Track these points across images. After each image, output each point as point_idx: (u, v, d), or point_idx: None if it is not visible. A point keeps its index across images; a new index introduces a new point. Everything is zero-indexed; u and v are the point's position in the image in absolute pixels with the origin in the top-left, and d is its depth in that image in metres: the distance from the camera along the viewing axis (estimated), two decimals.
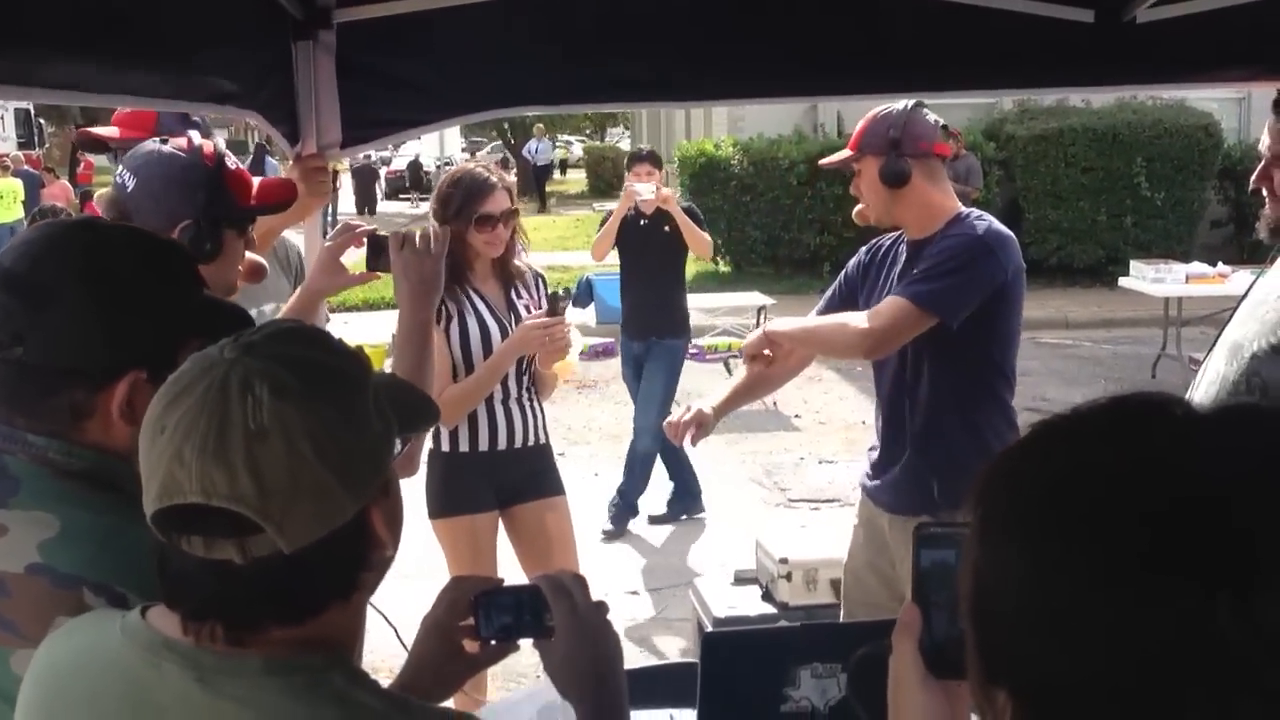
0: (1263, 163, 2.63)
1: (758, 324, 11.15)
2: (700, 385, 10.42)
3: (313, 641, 1.20)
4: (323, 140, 2.82)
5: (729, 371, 10.16)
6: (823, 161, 3.50)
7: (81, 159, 24.78)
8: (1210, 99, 15.78)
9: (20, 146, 23.73)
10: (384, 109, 2.94)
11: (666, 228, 6.85)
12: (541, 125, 28.27)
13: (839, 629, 2.95)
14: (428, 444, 3.97)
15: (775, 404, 10.13)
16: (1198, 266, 11.03)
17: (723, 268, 16.95)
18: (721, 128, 17.73)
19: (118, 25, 2.10)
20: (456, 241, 3.70)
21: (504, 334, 3.85)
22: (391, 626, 1.69)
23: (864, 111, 3.36)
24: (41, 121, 26.35)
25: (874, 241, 3.51)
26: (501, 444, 3.94)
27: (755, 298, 11.53)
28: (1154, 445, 0.81)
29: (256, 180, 2.42)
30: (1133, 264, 11.54)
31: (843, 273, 3.56)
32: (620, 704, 1.47)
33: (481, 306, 3.88)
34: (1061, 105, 16.02)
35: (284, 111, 2.76)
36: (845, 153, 3.35)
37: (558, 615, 1.48)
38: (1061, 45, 2.94)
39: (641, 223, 6.92)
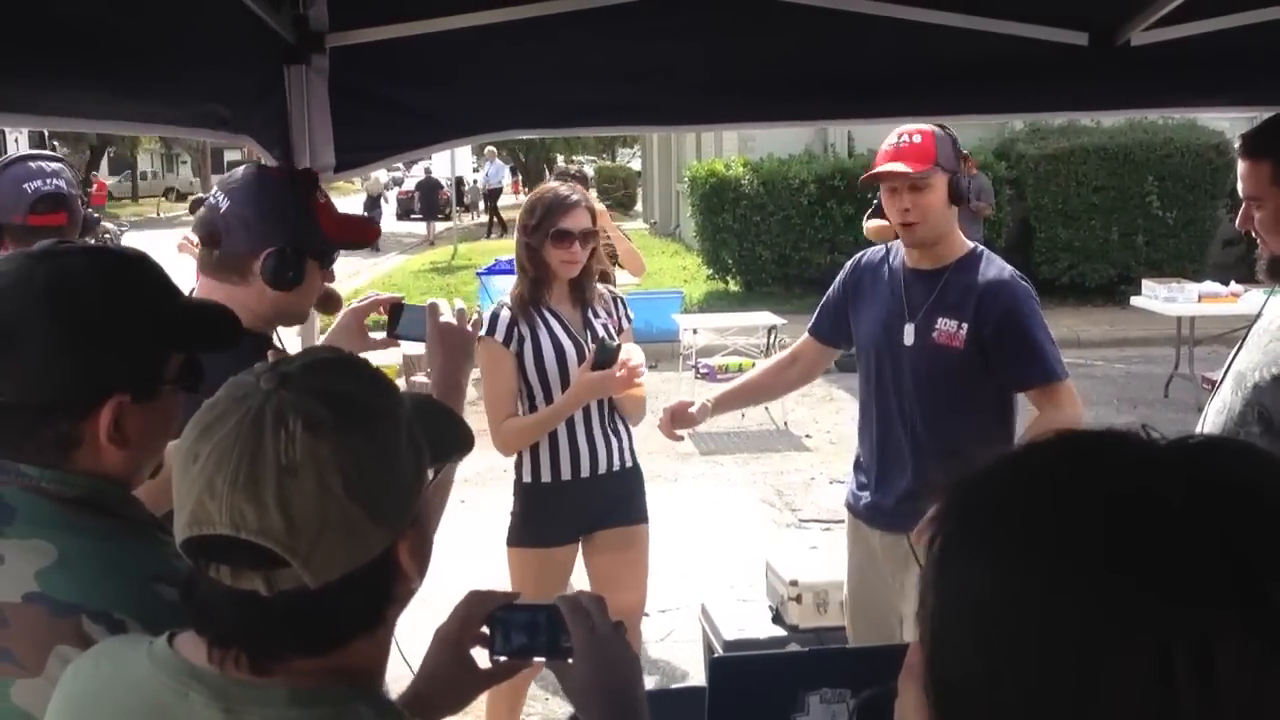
0: (1244, 205, 2.64)
1: (768, 343, 11.14)
2: None
3: (339, 671, 1.20)
4: (316, 164, 2.82)
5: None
6: (886, 169, 3.24)
7: (94, 180, 24.91)
8: (1221, 118, 15.73)
9: None
10: (378, 132, 2.93)
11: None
12: (493, 149, 27.39)
13: (849, 654, 2.93)
14: (511, 473, 3.98)
15: (786, 424, 10.10)
16: (1210, 285, 10.99)
17: (733, 287, 16.94)
18: (732, 148, 17.74)
19: (113, 52, 2.09)
20: (536, 259, 3.76)
21: (580, 355, 3.83)
22: (401, 656, 1.67)
23: (873, 132, 3.35)
24: (55, 143, 26.50)
25: (857, 257, 3.51)
26: (584, 471, 3.89)
27: (766, 317, 11.51)
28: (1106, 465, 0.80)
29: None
30: (1145, 283, 11.50)
31: (830, 291, 3.57)
32: None
33: (557, 326, 3.85)
34: (1072, 125, 15.99)
35: (277, 135, 2.76)
36: (904, 166, 3.22)
37: (576, 637, 1.47)
38: (1057, 69, 2.94)
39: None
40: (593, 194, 6.69)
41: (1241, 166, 2.61)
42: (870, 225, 3.48)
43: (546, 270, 3.79)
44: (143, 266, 1.63)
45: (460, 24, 2.82)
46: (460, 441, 1.44)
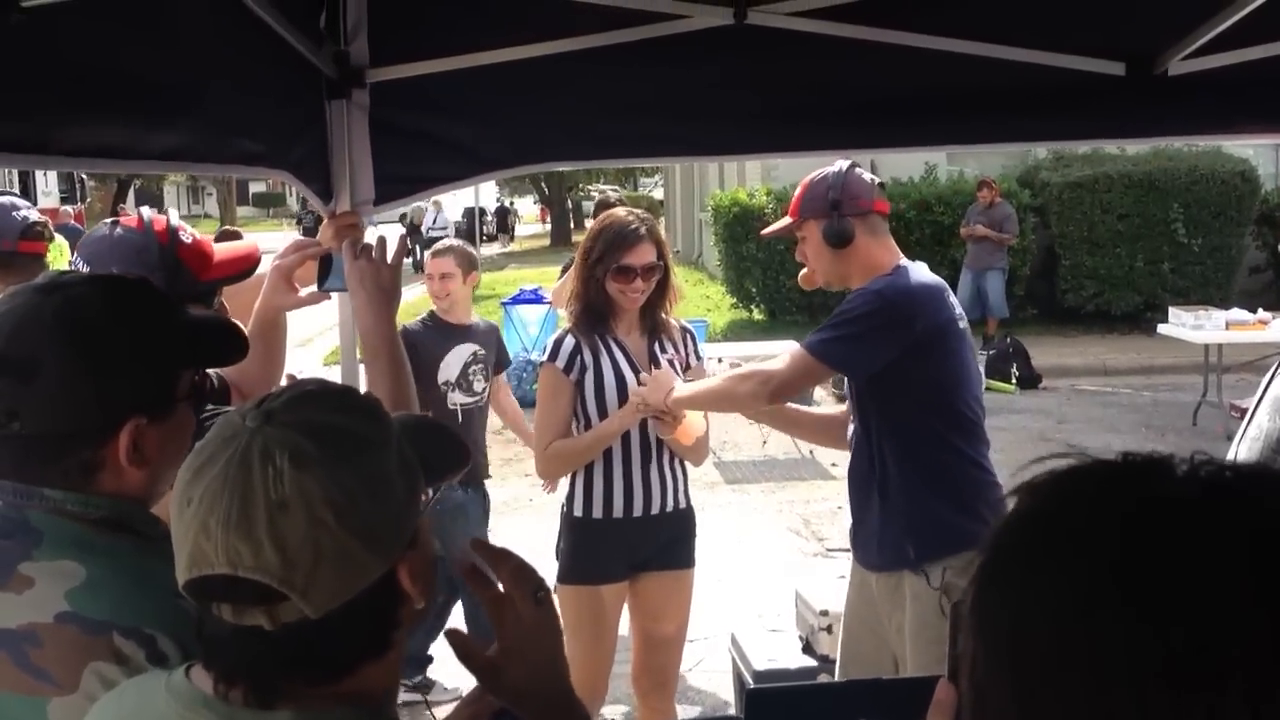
0: None
1: None
2: (734, 434, 10.46)
3: (348, 696, 1.21)
4: (356, 198, 2.84)
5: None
6: (765, 231, 3.59)
7: (123, 213, 25.06)
8: (1246, 144, 15.71)
9: (62, 201, 24.05)
10: (417, 166, 2.96)
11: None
12: (440, 200, 26.12)
13: (885, 685, 2.92)
14: (561, 506, 3.92)
15: (812, 452, 10.09)
16: (1237, 313, 10.95)
17: (758, 316, 16.95)
18: (755, 176, 17.78)
19: (144, 88, 2.12)
20: (597, 290, 3.71)
21: None
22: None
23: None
24: (84, 177, 26.71)
25: None
26: (638, 510, 3.82)
27: (790, 345, 11.50)
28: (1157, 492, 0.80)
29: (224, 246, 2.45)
30: (1171, 310, 11.47)
31: None
32: None
33: (620, 357, 3.78)
34: (1096, 152, 15.97)
35: (316, 170, 2.79)
36: (785, 220, 3.41)
37: (503, 634, 1.43)
38: (1093, 97, 2.94)
39: None
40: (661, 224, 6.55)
41: None
42: (800, 276, 3.52)
43: (608, 301, 3.72)
44: (145, 289, 1.67)
45: (498, 59, 2.85)
46: (456, 459, 1.45)
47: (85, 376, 1.52)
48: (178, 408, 1.61)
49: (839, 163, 3.36)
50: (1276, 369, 2.69)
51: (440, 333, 5.37)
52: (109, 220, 2.38)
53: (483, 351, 5.40)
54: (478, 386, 5.32)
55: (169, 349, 1.61)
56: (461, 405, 5.28)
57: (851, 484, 3.48)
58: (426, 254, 5.81)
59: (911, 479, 3.21)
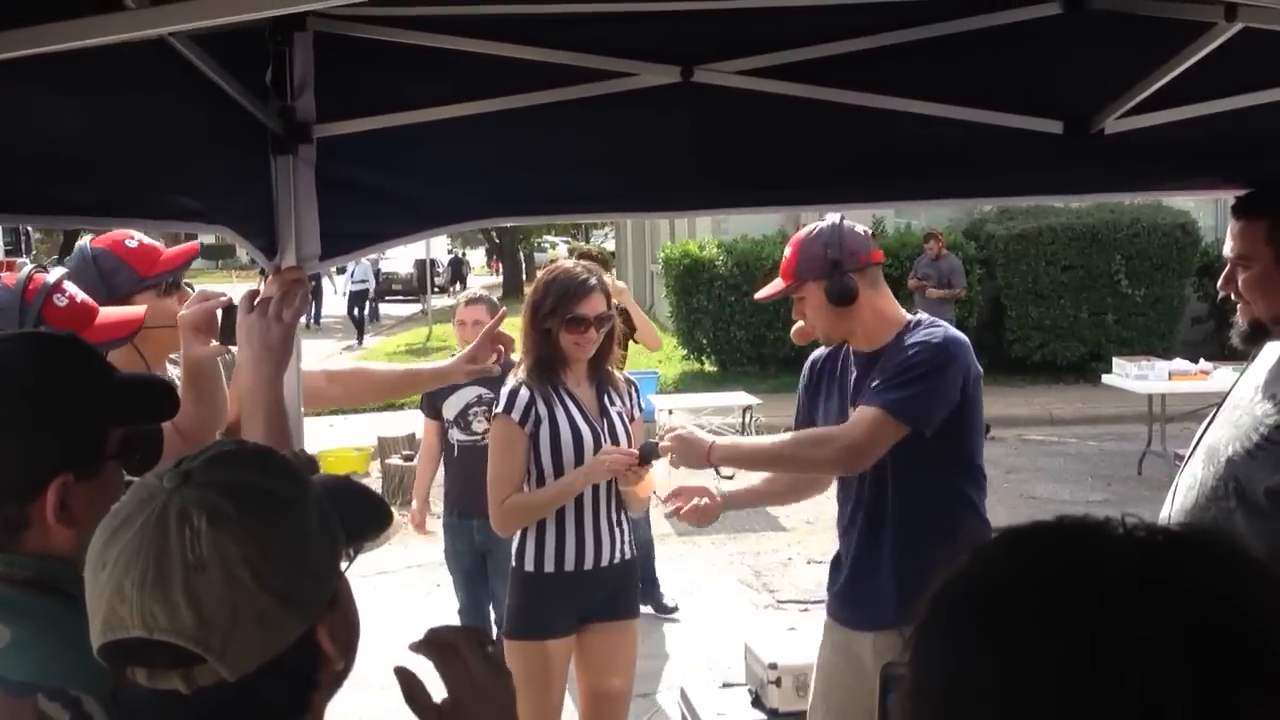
0: (1227, 267, 2.66)
1: (743, 423, 11.15)
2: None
3: None
4: (302, 252, 2.82)
5: (718, 472, 10.09)
6: (759, 295, 3.51)
7: (6, 266, 24.84)
8: (1187, 198, 15.99)
9: (8, 253, 23.81)
10: (364, 221, 2.95)
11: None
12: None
13: None
14: (511, 560, 3.88)
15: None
16: (1180, 363, 11.11)
17: (709, 367, 16.99)
18: (705, 229, 17.89)
19: (77, 141, 2.10)
20: (548, 342, 3.70)
21: (596, 440, 3.76)
22: None
23: (846, 214, 3.38)
24: (29, 230, 26.45)
25: (811, 358, 3.51)
26: (588, 564, 3.81)
27: (741, 397, 11.54)
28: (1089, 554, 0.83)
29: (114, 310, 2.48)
30: (1115, 361, 11.63)
31: (797, 396, 3.56)
32: None
33: (575, 410, 3.77)
34: (1040, 205, 16.23)
35: (259, 225, 2.77)
36: (779, 284, 3.35)
37: (453, 688, 1.42)
38: (1033, 155, 2.98)
39: None
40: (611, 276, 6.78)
41: (1234, 226, 2.62)
42: (794, 330, 3.50)
43: (559, 353, 3.72)
44: (74, 346, 1.67)
45: (447, 114, 2.85)
46: (377, 520, 1.43)
47: (10, 433, 1.50)
48: (106, 466, 1.60)
49: (828, 218, 3.32)
50: (1210, 419, 2.73)
51: None
52: None
53: (489, 394, 5.62)
54: (477, 427, 5.54)
55: (97, 407, 1.59)
56: (459, 442, 5.66)
57: (853, 542, 3.34)
58: (459, 301, 6.17)
59: (932, 533, 3.07)
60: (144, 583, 1.13)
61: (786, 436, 3.42)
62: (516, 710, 1.44)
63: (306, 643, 1.20)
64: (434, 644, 1.42)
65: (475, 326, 5.64)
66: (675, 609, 7.49)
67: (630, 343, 6.82)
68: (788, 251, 3.35)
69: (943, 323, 3.31)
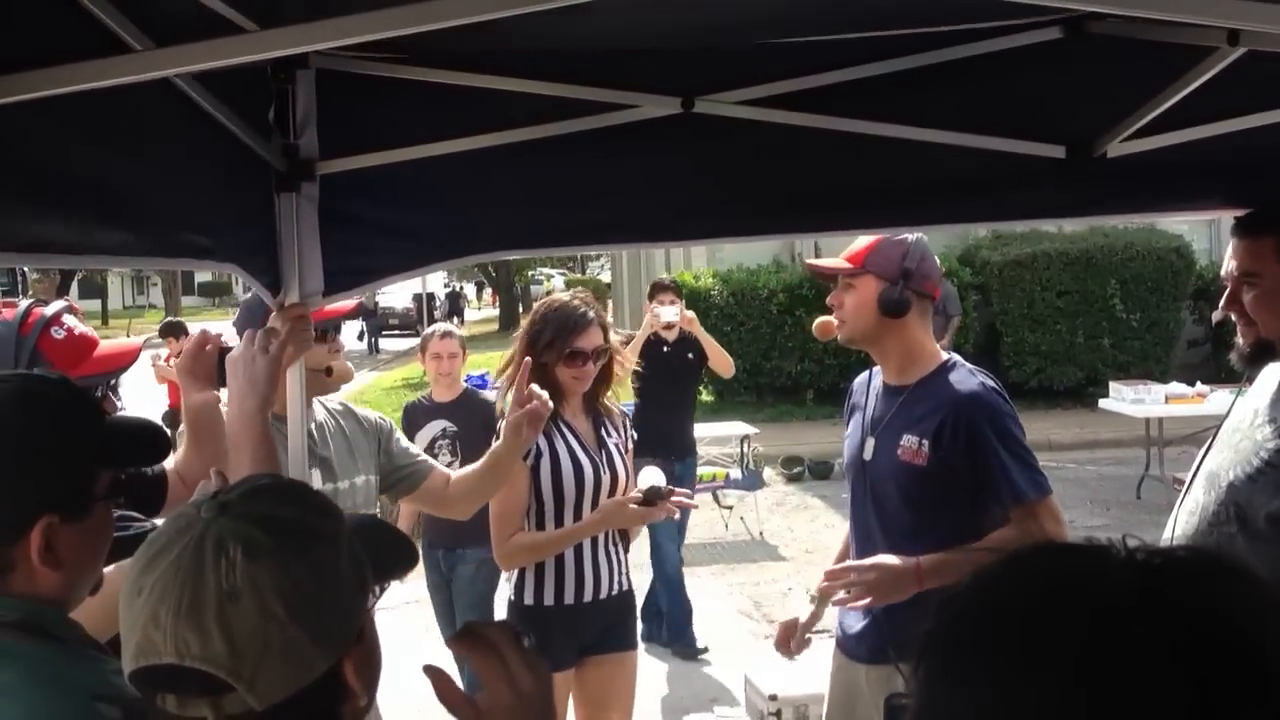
0: (1229, 286, 2.65)
1: (741, 452, 11.13)
2: (692, 515, 10.36)
3: None
4: (305, 289, 2.83)
5: (718, 501, 10.12)
6: (811, 261, 3.47)
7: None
8: (1181, 221, 16.05)
9: (4, 293, 23.81)
10: (367, 257, 2.95)
11: (690, 354, 7.21)
12: None
13: None
14: (508, 594, 3.87)
15: (762, 533, 10.08)
16: (1176, 387, 11.12)
17: (705, 397, 16.95)
18: (700, 259, 17.91)
19: (94, 184, 2.11)
20: (546, 375, 3.68)
21: (597, 475, 3.75)
22: None
23: (841, 243, 3.38)
24: (25, 269, 26.49)
25: (853, 386, 3.49)
26: (587, 596, 3.79)
27: (739, 427, 11.53)
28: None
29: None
30: (1112, 385, 11.64)
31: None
32: None
33: (574, 442, 3.77)
34: (1034, 230, 16.27)
35: (265, 262, 2.77)
36: (843, 263, 3.27)
37: (496, 703, 1.38)
38: (1034, 179, 2.99)
39: (664, 349, 7.12)
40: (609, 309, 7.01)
41: (1238, 244, 2.60)
42: (817, 322, 3.47)
43: (555, 387, 3.67)
44: (63, 388, 1.66)
45: (448, 149, 2.86)
46: (403, 558, 1.44)
47: None
48: (96, 509, 1.59)
49: (917, 234, 3.28)
50: (1210, 443, 2.72)
51: (424, 412, 6.00)
52: None
53: (453, 428, 5.84)
54: (442, 460, 5.54)
55: (85, 448, 1.58)
56: None
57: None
58: (433, 333, 6.29)
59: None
60: (179, 610, 1.15)
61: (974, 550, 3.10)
62: (554, 705, 1.42)
63: (332, 677, 1.21)
64: (471, 640, 1.39)
65: (450, 360, 5.99)
66: (705, 650, 7.38)
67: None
68: (864, 241, 3.28)
69: (969, 365, 3.27)
